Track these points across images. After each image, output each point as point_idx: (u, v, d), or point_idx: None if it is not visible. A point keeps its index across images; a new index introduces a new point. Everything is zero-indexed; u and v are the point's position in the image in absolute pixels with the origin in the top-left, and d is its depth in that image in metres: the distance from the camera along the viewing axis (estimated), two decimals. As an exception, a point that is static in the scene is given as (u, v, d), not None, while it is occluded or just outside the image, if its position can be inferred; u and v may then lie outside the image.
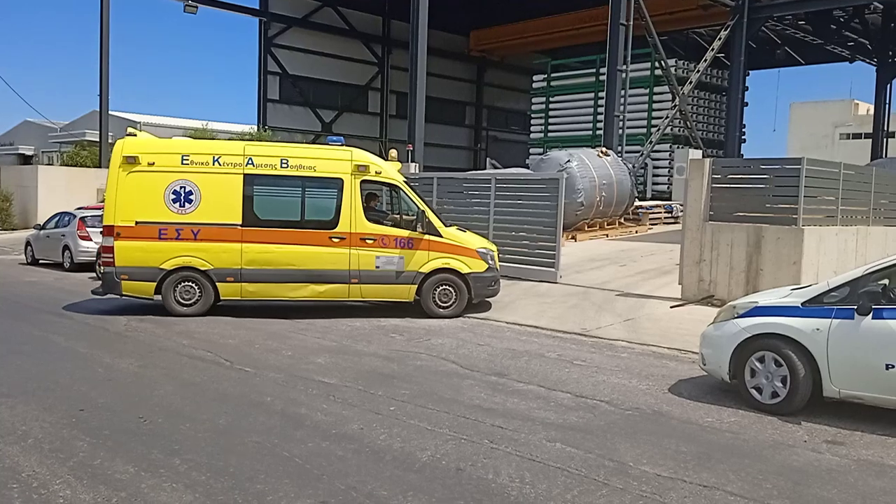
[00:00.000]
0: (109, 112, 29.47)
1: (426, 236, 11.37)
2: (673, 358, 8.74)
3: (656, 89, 28.10)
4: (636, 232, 21.09)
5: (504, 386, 7.27)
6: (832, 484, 4.80)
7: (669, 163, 27.52)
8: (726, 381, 6.85)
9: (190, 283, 10.99)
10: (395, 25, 37.53)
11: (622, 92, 23.37)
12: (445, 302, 11.44)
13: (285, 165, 11.15)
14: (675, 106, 26.48)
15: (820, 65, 40.59)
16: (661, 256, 16.11)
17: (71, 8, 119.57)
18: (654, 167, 27.88)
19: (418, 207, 11.42)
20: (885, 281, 6.37)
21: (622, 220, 21.41)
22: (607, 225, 20.55)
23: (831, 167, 12.29)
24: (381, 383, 7.29)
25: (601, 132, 25.00)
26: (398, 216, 11.58)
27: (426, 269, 11.37)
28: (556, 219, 13.82)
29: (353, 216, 11.16)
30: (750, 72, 30.37)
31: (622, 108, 23.43)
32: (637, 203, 22.39)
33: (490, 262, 11.77)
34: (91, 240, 17.31)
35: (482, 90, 43.61)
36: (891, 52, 34.46)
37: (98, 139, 30.54)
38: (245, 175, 11.02)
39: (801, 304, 6.47)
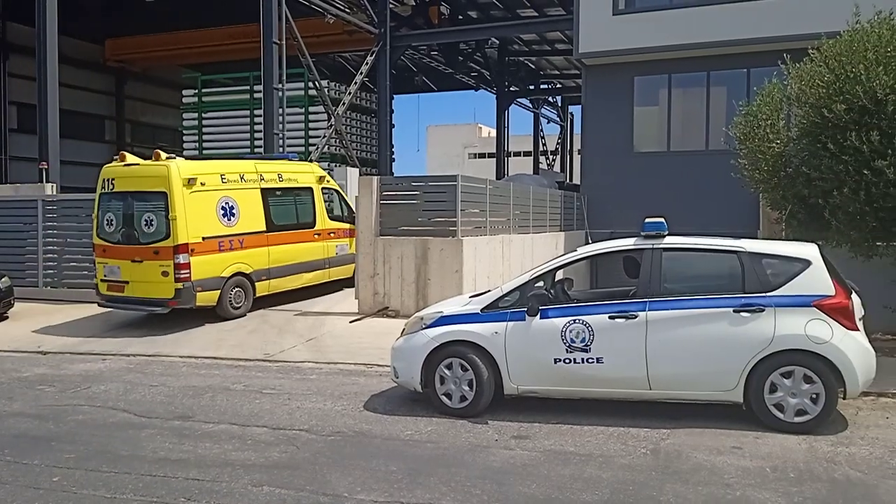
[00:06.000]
0: None
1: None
2: (361, 374, 8.78)
3: (312, 109, 28.52)
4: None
5: (191, 430, 6.55)
6: (530, 479, 5.16)
7: (329, 181, 28.17)
8: (419, 391, 7.05)
9: (239, 288, 12.06)
10: (11, 28, 32.49)
11: (280, 110, 23.25)
12: None
13: (282, 179, 13.27)
14: (331, 126, 27.15)
15: (452, 91, 45.08)
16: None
17: None
18: (315, 185, 28.29)
19: (349, 205, 14.37)
20: (541, 283, 7.14)
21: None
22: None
23: (480, 183, 13.58)
24: (36, 449, 6.06)
25: (260, 149, 24.53)
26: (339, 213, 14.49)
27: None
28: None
29: (322, 216, 13.96)
30: (395, 96, 32.43)
31: (281, 125, 23.29)
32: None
33: None
34: None
35: (123, 103, 39.92)
36: (507, 82, 39.61)
37: None
38: (261, 189, 12.67)
39: (481, 310, 6.93)
